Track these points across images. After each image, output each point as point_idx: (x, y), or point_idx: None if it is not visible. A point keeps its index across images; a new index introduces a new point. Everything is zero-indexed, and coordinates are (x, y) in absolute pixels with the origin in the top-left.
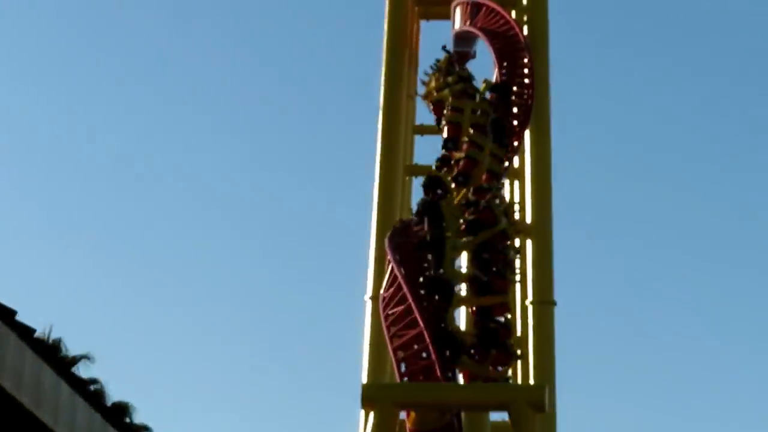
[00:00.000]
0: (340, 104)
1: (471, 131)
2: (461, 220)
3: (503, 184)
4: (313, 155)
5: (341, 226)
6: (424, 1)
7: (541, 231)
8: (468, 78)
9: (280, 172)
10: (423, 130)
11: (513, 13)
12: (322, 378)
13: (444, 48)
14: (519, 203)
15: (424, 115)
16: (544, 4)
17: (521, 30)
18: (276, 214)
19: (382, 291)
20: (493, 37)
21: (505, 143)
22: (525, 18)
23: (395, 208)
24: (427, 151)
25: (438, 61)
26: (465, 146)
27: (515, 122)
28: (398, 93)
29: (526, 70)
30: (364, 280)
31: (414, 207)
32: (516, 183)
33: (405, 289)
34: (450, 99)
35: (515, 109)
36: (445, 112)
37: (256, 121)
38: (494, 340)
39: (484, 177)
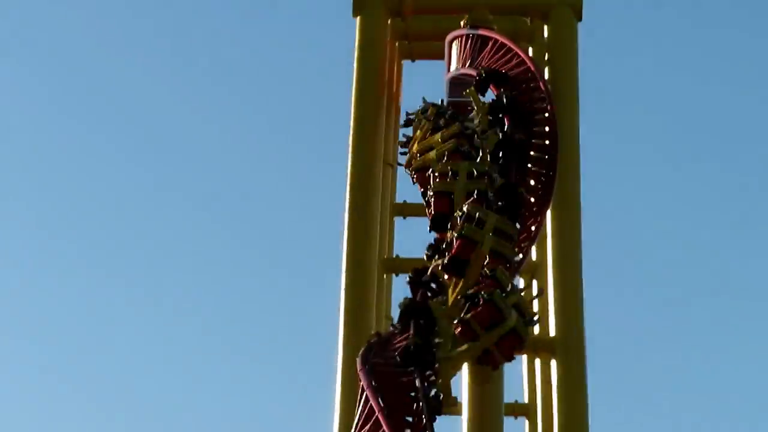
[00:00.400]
0: (294, 173)
1: (466, 207)
2: (456, 321)
3: (514, 271)
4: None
5: (300, 348)
6: (409, 35)
7: (570, 349)
8: (463, 133)
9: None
10: (406, 210)
11: (530, 51)
12: None
13: (424, 100)
14: (538, 311)
15: (408, 188)
16: (571, 38)
17: (542, 74)
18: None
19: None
20: (504, 84)
21: (518, 216)
22: (546, 57)
23: (369, 317)
24: (414, 236)
25: (415, 113)
26: (459, 222)
27: (532, 198)
28: (370, 162)
29: (547, 129)
30: (330, 420)
31: (396, 314)
32: (534, 282)
33: (384, 427)
34: (437, 163)
35: (532, 182)
36: (431, 180)
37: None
38: None
39: (486, 262)
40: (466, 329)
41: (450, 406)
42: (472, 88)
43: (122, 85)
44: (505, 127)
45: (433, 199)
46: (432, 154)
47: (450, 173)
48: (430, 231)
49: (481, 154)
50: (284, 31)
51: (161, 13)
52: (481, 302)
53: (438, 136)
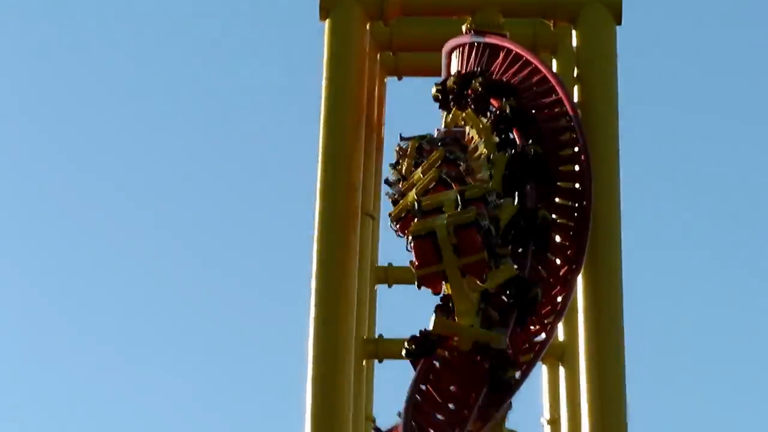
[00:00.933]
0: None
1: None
2: None
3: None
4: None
5: None
6: (394, 44)
7: None
8: (447, 158)
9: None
10: (392, 275)
11: (554, 65)
12: None
13: (401, 138)
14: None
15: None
16: (609, 47)
17: (570, 95)
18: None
19: None
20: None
21: (548, 247)
22: (575, 72)
23: (343, 421)
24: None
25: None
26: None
27: (557, 259)
28: (344, 214)
29: (577, 167)
30: None
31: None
32: (562, 371)
33: None
34: (415, 203)
35: (558, 238)
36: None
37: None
38: None
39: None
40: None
41: None
42: (470, 110)
43: (77, 95)
44: (516, 143)
45: (413, 250)
46: (411, 194)
47: (434, 210)
48: (418, 287)
49: (490, 184)
50: (237, 41)
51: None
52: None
53: (419, 171)
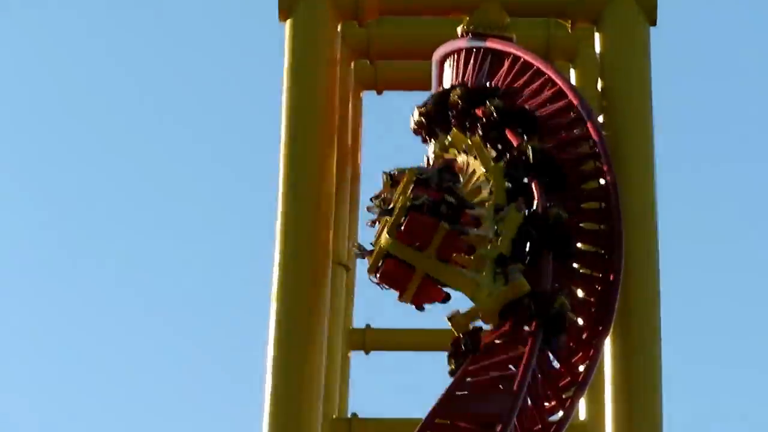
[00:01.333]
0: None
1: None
2: None
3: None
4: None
5: None
6: (372, 51)
7: None
8: (419, 179)
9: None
10: (371, 339)
11: (572, 75)
12: None
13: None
14: None
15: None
16: (641, 52)
17: (592, 113)
18: None
19: None
20: (529, 130)
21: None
22: (599, 84)
23: None
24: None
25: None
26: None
27: (580, 320)
28: (309, 264)
29: (603, 204)
30: None
31: None
32: None
33: None
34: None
35: (581, 291)
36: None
37: None
38: None
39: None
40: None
41: None
42: (477, 138)
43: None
44: (534, 200)
45: (382, 282)
46: (383, 236)
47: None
48: (421, 310)
49: (495, 243)
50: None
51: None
52: None
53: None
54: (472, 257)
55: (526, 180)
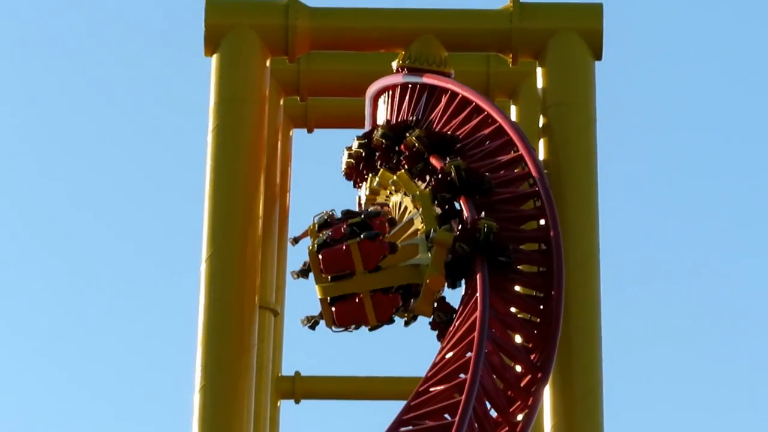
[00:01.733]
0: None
1: None
2: None
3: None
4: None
5: None
6: (302, 87)
7: None
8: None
9: None
10: (302, 387)
11: (513, 112)
12: None
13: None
14: None
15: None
16: (585, 88)
17: (533, 151)
18: None
19: None
20: (455, 152)
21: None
22: (541, 121)
23: None
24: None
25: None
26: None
27: (517, 366)
28: (238, 309)
29: (544, 246)
30: None
31: None
32: None
33: None
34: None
35: (518, 337)
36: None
37: None
38: None
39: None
40: None
41: None
42: (403, 172)
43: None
44: (465, 216)
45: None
46: (317, 288)
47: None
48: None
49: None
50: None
51: None
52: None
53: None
54: (400, 248)
55: (454, 201)
